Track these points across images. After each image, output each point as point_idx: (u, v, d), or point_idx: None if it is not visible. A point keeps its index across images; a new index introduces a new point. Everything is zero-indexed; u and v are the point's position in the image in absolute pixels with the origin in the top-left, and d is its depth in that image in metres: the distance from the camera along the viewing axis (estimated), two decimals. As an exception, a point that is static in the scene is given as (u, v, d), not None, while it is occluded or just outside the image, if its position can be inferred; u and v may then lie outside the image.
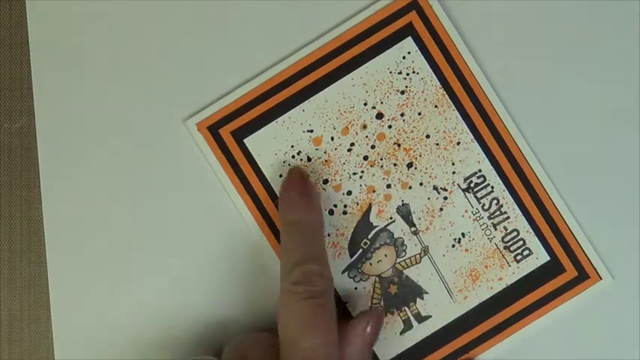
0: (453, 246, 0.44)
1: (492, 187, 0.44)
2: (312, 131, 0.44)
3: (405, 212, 0.44)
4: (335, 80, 0.44)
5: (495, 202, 0.44)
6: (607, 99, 0.44)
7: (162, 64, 0.44)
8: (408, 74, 0.44)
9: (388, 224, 0.44)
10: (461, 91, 0.44)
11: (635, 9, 0.44)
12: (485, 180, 0.44)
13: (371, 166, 0.44)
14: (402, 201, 0.44)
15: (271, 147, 0.44)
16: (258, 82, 0.44)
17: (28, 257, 0.45)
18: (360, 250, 0.44)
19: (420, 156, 0.44)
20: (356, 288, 0.44)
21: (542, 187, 0.44)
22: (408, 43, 0.44)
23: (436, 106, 0.44)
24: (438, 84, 0.44)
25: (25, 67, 0.45)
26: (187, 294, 0.44)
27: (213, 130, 0.44)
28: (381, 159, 0.44)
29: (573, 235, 0.44)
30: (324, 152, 0.44)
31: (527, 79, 0.44)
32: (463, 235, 0.44)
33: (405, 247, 0.44)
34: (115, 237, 0.44)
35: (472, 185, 0.44)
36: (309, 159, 0.44)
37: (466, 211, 0.44)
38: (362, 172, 0.44)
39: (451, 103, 0.44)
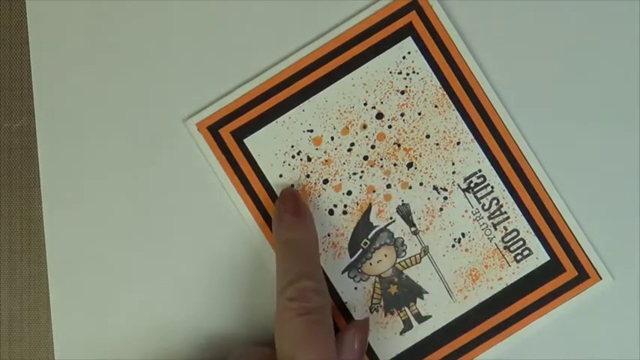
0: (453, 246, 0.44)
1: (492, 187, 0.44)
2: (312, 131, 0.44)
3: (405, 212, 0.44)
4: (335, 80, 0.44)
5: (495, 202, 0.44)
6: (607, 99, 0.44)
7: (163, 64, 0.44)
8: (408, 74, 0.44)
9: (388, 224, 0.44)
10: (461, 91, 0.44)
11: (635, 9, 0.44)
12: (485, 180, 0.44)
13: (371, 166, 0.44)
14: (402, 201, 0.44)
15: (271, 147, 0.44)
16: (258, 82, 0.44)
17: (28, 257, 0.45)
18: (360, 250, 0.44)
19: (420, 156, 0.44)
20: (356, 288, 0.44)
21: (542, 187, 0.44)
22: (408, 43, 0.44)
23: (436, 106, 0.44)
24: (438, 84, 0.44)
25: (25, 67, 0.45)
26: (187, 295, 0.44)
27: (213, 130, 0.44)
28: (381, 159, 0.44)
29: (573, 235, 0.44)
30: (324, 152, 0.44)
31: (527, 79, 0.44)
32: (463, 235, 0.44)
33: (405, 247, 0.44)
34: (115, 237, 0.44)
35: (472, 185, 0.44)
36: (309, 159, 0.44)
37: (466, 211, 0.44)
38: (362, 172, 0.44)
39: (451, 103, 0.44)
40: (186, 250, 0.44)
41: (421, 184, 0.44)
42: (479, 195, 0.44)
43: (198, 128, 0.44)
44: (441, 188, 0.44)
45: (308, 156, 0.44)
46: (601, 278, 0.44)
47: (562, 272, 0.44)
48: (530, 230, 0.44)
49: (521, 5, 0.44)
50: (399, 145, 0.44)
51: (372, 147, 0.44)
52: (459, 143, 0.44)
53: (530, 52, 0.44)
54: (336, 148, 0.44)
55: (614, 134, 0.44)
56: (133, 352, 0.44)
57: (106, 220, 0.44)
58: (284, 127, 0.44)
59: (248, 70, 0.44)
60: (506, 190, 0.44)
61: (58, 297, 0.44)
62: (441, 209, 0.44)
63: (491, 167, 0.44)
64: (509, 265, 0.44)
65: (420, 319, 0.44)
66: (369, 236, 0.44)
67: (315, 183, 0.44)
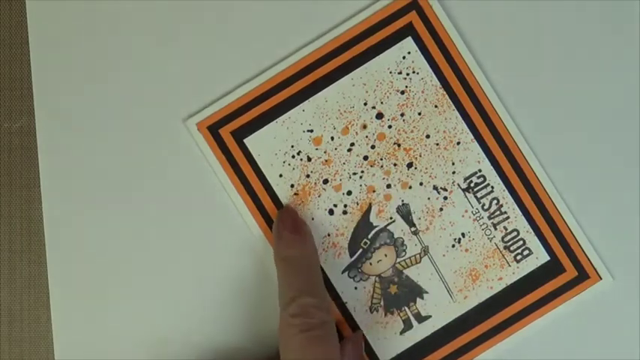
0: (453, 246, 0.44)
1: (492, 187, 0.44)
2: (312, 131, 0.44)
3: (405, 212, 0.44)
4: (335, 80, 0.44)
5: (495, 202, 0.44)
6: (607, 99, 0.44)
7: (163, 64, 0.44)
8: (408, 74, 0.44)
9: (388, 224, 0.44)
10: (461, 91, 0.44)
11: (635, 9, 0.44)
12: (485, 180, 0.44)
13: (371, 166, 0.44)
14: (402, 201, 0.44)
15: (271, 147, 0.44)
16: (258, 82, 0.44)
17: (28, 257, 0.45)
18: (360, 250, 0.44)
19: (420, 156, 0.44)
20: (356, 288, 0.44)
21: (542, 187, 0.44)
22: (408, 43, 0.44)
23: (436, 106, 0.44)
24: (438, 84, 0.44)
25: (25, 67, 0.45)
26: (187, 292, 0.44)
27: (213, 130, 0.44)
28: (381, 159, 0.44)
29: (573, 235, 0.44)
30: (324, 152, 0.44)
31: (527, 79, 0.44)
32: (463, 235, 0.44)
33: (405, 247, 0.44)
34: (114, 237, 0.44)
35: (472, 185, 0.44)
36: (309, 159, 0.44)
37: (466, 211, 0.44)
38: (362, 172, 0.44)
39: (451, 103, 0.44)
40: (185, 250, 0.44)
41: (421, 184, 0.44)
42: (479, 195, 0.44)
43: (198, 128, 0.44)
44: (441, 188, 0.44)
45: (308, 156, 0.44)
46: (601, 278, 0.44)
47: (562, 272, 0.44)
48: (530, 230, 0.44)
49: (521, 5, 0.44)
50: (399, 145, 0.44)
51: (372, 147, 0.44)
52: (459, 143, 0.44)
53: (530, 51, 0.44)
54: (336, 148, 0.44)
55: (614, 134, 0.44)
56: (132, 352, 0.44)
57: (105, 220, 0.44)
58: (284, 127, 0.44)
59: (248, 70, 0.44)
60: (506, 190, 0.44)
61: (58, 297, 0.44)
62: (441, 209, 0.44)
63: (491, 167, 0.44)
64: (509, 265, 0.44)
65: (420, 319, 0.44)
66: (369, 236, 0.44)
67: (315, 183, 0.44)
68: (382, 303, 0.44)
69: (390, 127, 0.44)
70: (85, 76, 0.44)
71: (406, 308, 0.44)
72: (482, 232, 0.44)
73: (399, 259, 0.44)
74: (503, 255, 0.44)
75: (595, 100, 0.44)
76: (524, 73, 0.44)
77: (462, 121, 0.44)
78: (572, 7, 0.44)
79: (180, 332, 0.44)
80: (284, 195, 0.44)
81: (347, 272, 0.44)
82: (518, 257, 0.44)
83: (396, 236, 0.44)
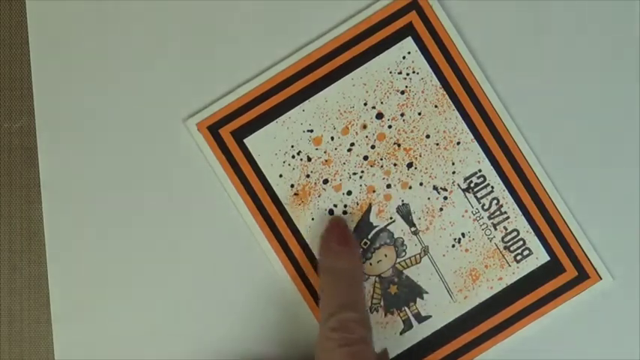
0: (453, 246, 0.44)
1: (492, 187, 0.44)
2: (312, 131, 0.44)
3: (405, 212, 0.44)
4: (335, 80, 0.44)
5: (495, 202, 0.44)
6: (607, 99, 0.44)
7: (163, 64, 0.44)
8: (408, 74, 0.44)
9: (388, 224, 0.44)
10: (461, 91, 0.44)
11: (635, 9, 0.44)
12: (485, 180, 0.44)
13: (371, 166, 0.44)
14: (402, 201, 0.44)
15: (271, 147, 0.44)
16: (258, 82, 0.44)
17: (28, 257, 0.45)
18: (360, 250, 0.44)
19: (420, 156, 0.44)
20: (356, 288, 0.44)
21: (542, 187, 0.44)
22: (408, 43, 0.44)
23: (436, 106, 0.44)
24: (438, 84, 0.44)
25: (25, 67, 0.45)
26: (187, 292, 0.44)
27: (213, 130, 0.44)
28: (381, 159, 0.44)
29: (573, 235, 0.44)
30: (324, 152, 0.44)
31: (527, 79, 0.44)
32: (463, 235, 0.44)
33: (405, 247, 0.44)
34: (114, 237, 0.44)
35: (472, 185, 0.44)
36: (309, 159, 0.44)
37: (466, 211, 0.44)
38: (362, 172, 0.44)
39: (451, 103, 0.44)
40: (185, 250, 0.44)
41: (421, 184, 0.44)
42: (479, 195, 0.44)
43: (198, 128, 0.44)
44: (441, 188, 0.44)
45: (308, 156, 0.44)
46: (601, 278, 0.44)
47: (562, 272, 0.44)
48: (530, 230, 0.44)
49: (521, 5, 0.44)
50: (399, 145, 0.44)
51: (372, 147, 0.44)
52: (459, 143, 0.44)
53: (529, 51, 0.44)
54: (336, 148, 0.44)
55: (614, 134, 0.44)
56: (132, 352, 0.44)
57: (105, 220, 0.44)
58: (284, 127, 0.44)
59: (248, 70, 0.44)
60: (506, 190, 0.44)
61: (58, 297, 0.44)
62: (441, 209, 0.44)
63: (491, 167, 0.44)
64: (509, 265, 0.44)
65: (420, 319, 0.44)
66: (369, 236, 0.44)
67: (315, 183, 0.44)
68: (382, 303, 0.44)
69: (390, 127, 0.44)
70: (85, 76, 0.44)
71: (406, 308, 0.44)
72: (482, 232, 0.44)
73: (399, 259, 0.44)
74: (503, 255, 0.44)
75: (595, 100, 0.44)
76: (524, 73, 0.44)
77: (462, 121, 0.44)
78: (572, 7, 0.44)
79: (181, 332, 0.44)
80: (284, 195, 0.44)
81: (347, 272, 0.44)
82: (518, 257, 0.44)
83: (396, 236, 0.44)
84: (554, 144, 0.44)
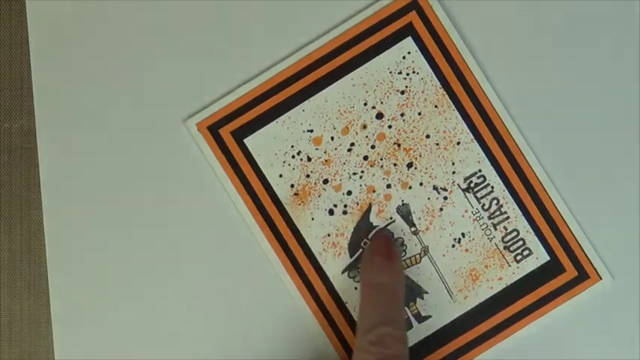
0: (453, 246, 0.44)
1: (492, 187, 0.44)
2: (312, 131, 0.44)
3: (405, 212, 0.44)
4: (335, 80, 0.44)
5: (495, 202, 0.44)
6: (607, 99, 0.44)
7: (162, 64, 0.44)
8: (408, 74, 0.44)
9: (388, 224, 0.44)
10: (461, 91, 0.44)
11: (635, 9, 0.44)
12: (485, 180, 0.44)
13: (371, 166, 0.44)
14: (402, 201, 0.44)
15: (271, 147, 0.44)
16: (258, 82, 0.44)
17: (28, 257, 0.45)
18: (360, 250, 0.44)
19: (420, 156, 0.44)
20: (356, 288, 0.44)
21: (542, 187, 0.44)
22: (408, 43, 0.44)
23: (436, 106, 0.44)
24: (438, 84, 0.44)
25: (25, 67, 0.45)
26: (187, 292, 0.44)
27: (213, 130, 0.44)
28: (381, 159, 0.44)
29: (573, 235, 0.44)
30: (324, 152, 0.44)
31: (527, 79, 0.44)
32: (463, 235, 0.44)
33: (405, 247, 0.44)
34: (115, 237, 0.44)
35: (472, 185, 0.44)
36: (309, 159, 0.44)
37: (466, 211, 0.44)
38: (362, 172, 0.44)
39: (451, 103, 0.44)
40: (185, 250, 0.44)
41: (421, 184, 0.44)
42: (479, 195, 0.44)
43: (198, 128, 0.44)
44: (441, 188, 0.44)
45: (308, 156, 0.44)
46: (601, 278, 0.44)
47: (562, 272, 0.44)
48: (530, 230, 0.44)
49: (521, 5, 0.44)
50: (399, 145, 0.44)
51: (372, 147, 0.44)
52: (459, 143, 0.44)
53: (529, 51, 0.44)
54: (336, 148, 0.44)
55: (614, 134, 0.44)
56: (132, 352, 0.44)
57: (105, 220, 0.44)
58: (284, 127, 0.44)
59: (248, 70, 0.44)
60: (506, 190, 0.44)
61: (58, 297, 0.44)
62: (441, 209, 0.44)
63: (491, 167, 0.44)
64: (509, 265, 0.44)
65: (420, 319, 0.44)
66: (369, 236, 0.44)
67: (315, 183, 0.44)
68: (382, 303, 0.44)
69: (390, 127, 0.44)
70: (85, 76, 0.44)
71: (406, 308, 0.44)
72: (482, 232, 0.44)
73: (399, 259, 0.44)
74: (503, 255, 0.44)
75: (595, 100, 0.44)
76: (524, 73, 0.44)
77: (462, 121, 0.44)
78: (572, 7, 0.44)
79: (181, 332, 0.44)
80: (284, 195, 0.44)
81: (347, 272, 0.44)
82: (518, 257, 0.44)
83: (396, 236, 0.44)
84: (554, 144, 0.44)
